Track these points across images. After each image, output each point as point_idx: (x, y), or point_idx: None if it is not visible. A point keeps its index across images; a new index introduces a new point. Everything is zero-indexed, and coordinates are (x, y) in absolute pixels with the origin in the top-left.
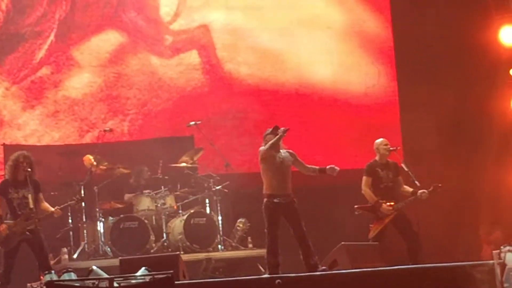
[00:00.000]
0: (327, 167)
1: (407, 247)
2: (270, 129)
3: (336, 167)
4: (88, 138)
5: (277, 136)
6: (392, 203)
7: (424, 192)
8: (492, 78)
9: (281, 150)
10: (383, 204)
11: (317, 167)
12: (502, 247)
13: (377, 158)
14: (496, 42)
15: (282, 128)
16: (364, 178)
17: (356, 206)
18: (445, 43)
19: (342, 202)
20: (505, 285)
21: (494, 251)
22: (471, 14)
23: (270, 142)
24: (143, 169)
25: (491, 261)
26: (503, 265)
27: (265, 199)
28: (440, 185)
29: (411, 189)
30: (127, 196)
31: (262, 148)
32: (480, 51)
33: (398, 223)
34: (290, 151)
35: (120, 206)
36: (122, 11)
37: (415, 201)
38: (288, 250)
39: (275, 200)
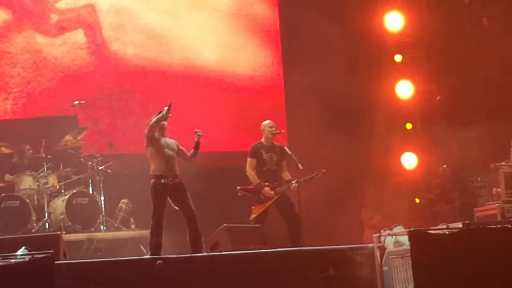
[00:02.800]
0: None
1: (288, 229)
2: (155, 115)
3: (198, 130)
4: None
5: (160, 114)
6: (273, 185)
7: (294, 184)
8: (378, 64)
9: (166, 137)
10: (265, 187)
11: (193, 149)
12: (382, 231)
13: (262, 140)
14: (382, 28)
15: (167, 107)
16: (248, 159)
17: (238, 188)
18: (331, 28)
19: (227, 184)
20: (385, 268)
21: (374, 235)
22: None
23: (155, 118)
24: (24, 148)
25: (371, 245)
26: (382, 249)
27: (152, 180)
28: (324, 170)
29: (289, 177)
30: (7, 176)
31: (150, 124)
32: (366, 36)
33: (280, 206)
34: (174, 141)
35: (1, 185)
36: None
37: (295, 187)
38: (172, 232)
39: (163, 181)
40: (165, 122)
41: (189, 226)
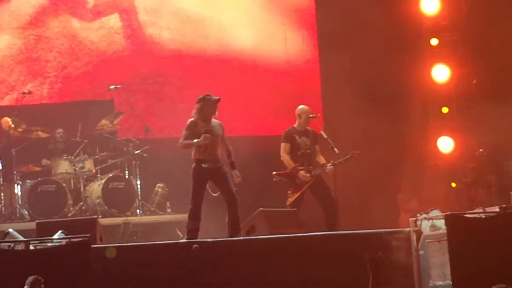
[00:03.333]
0: (233, 172)
1: (324, 213)
2: (212, 99)
3: (238, 177)
4: (7, 101)
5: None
6: (310, 170)
7: (329, 166)
8: (414, 47)
9: (212, 120)
10: (301, 171)
11: (230, 161)
12: (418, 215)
13: (295, 125)
14: (418, 12)
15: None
16: (282, 144)
17: (274, 173)
18: (367, 11)
19: (262, 168)
20: (421, 252)
21: (410, 219)
22: None
23: (185, 143)
24: (62, 132)
25: (407, 229)
26: (419, 233)
27: (193, 164)
28: (358, 152)
29: (323, 161)
30: (44, 161)
31: (181, 140)
32: (402, 20)
33: (316, 190)
34: (220, 124)
35: (38, 169)
36: None
37: (331, 170)
38: (210, 217)
39: (203, 165)
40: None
41: (229, 210)
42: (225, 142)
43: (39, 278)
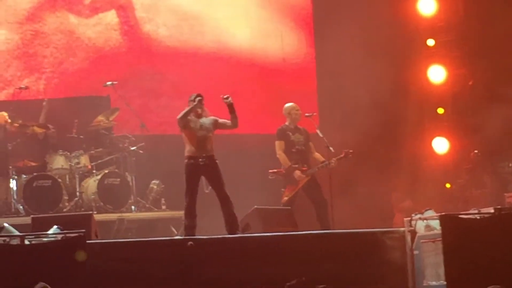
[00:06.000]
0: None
1: (316, 212)
2: (195, 97)
3: (224, 96)
4: (3, 95)
5: (189, 108)
6: (305, 168)
7: (332, 159)
8: (410, 48)
9: (203, 117)
10: (296, 170)
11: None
12: (413, 215)
13: (287, 122)
14: (415, 12)
15: (196, 98)
16: (276, 142)
17: (270, 171)
18: (363, 11)
19: (257, 166)
20: (415, 252)
21: (405, 219)
22: None
23: (182, 112)
24: (58, 128)
25: (402, 228)
26: (413, 233)
27: (185, 160)
28: (351, 151)
29: (321, 158)
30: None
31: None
32: (399, 20)
33: (308, 189)
34: (213, 117)
35: (33, 164)
36: None
37: (326, 168)
38: (207, 213)
39: (195, 162)
40: (198, 109)
41: (223, 207)
42: (224, 124)
43: (47, 286)
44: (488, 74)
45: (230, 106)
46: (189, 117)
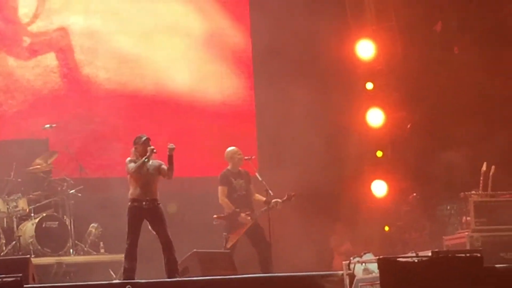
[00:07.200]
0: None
1: (258, 255)
2: (142, 139)
3: (170, 144)
4: None
5: (142, 160)
6: (248, 212)
7: (277, 201)
8: (349, 91)
9: (151, 161)
10: (241, 214)
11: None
12: (351, 258)
13: (229, 167)
14: (354, 56)
15: (149, 148)
16: (219, 188)
17: (214, 216)
18: (303, 54)
19: (197, 208)
20: None
21: (344, 262)
22: (330, 27)
23: (136, 165)
24: None
25: (341, 272)
26: (352, 276)
27: (129, 203)
28: (293, 193)
29: (263, 198)
30: None
31: (130, 165)
32: (337, 64)
33: (251, 233)
34: (158, 162)
35: None
36: None
37: (269, 210)
38: (148, 256)
39: (138, 204)
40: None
41: (165, 252)
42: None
43: None
44: (426, 118)
45: (170, 157)
46: (136, 160)
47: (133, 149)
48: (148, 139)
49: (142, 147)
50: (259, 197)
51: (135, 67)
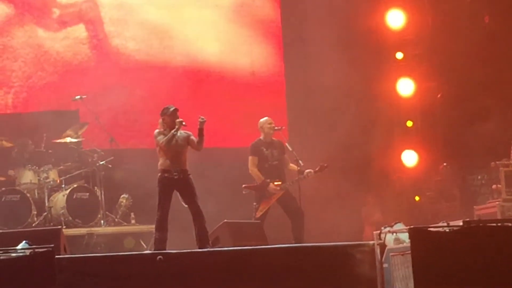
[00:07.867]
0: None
1: (292, 224)
2: (170, 109)
3: (201, 117)
4: None
5: (171, 133)
6: (279, 182)
7: (310, 171)
8: (379, 61)
9: (179, 131)
10: (271, 183)
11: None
12: (382, 228)
13: (261, 137)
14: (384, 26)
15: (178, 121)
16: (250, 158)
17: (244, 186)
18: (332, 24)
19: (228, 179)
20: (385, 265)
21: (374, 232)
22: None
23: (166, 139)
24: (27, 142)
25: (372, 242)
26: (383, 246)
27: (159, 174)
28: (326, 164)
29: (297, 168)
30: (9, 171)
31: (159, 137)
32: (367, 34)
33: (284, 202)
34: (187, 132)
35: (2, 179)
36: None
37: (301, 180)
38: (179, 227)
39: (169, 175)
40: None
41: (195, 222)
42: (193, 141)
43: None
44: (457, 87)
45: (201, 130)
46: (164, 131)
47: (160, 120)
48: (176, 110)
49: (170, 118)
50: (293, 167)
51: (164, 38)
